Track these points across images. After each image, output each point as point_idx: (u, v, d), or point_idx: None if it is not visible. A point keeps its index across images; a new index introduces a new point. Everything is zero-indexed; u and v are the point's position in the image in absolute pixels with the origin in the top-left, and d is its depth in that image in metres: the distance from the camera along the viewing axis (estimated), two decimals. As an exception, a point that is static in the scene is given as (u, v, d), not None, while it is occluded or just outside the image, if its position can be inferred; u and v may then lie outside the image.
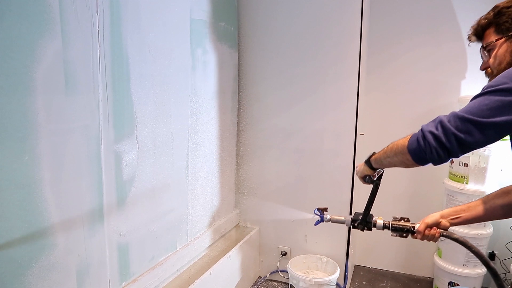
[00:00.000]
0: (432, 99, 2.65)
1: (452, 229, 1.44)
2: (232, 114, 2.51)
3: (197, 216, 2.17)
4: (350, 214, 2.00)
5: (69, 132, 1.29)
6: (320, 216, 1.48)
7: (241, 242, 2.43)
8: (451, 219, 1.33)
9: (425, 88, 2.65)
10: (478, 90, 1.00)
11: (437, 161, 1.04)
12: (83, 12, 1.31)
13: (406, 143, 1.10)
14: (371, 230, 1.43)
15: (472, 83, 2.53)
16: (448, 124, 1.00)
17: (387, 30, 2.67)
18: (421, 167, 1.10)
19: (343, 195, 2.45)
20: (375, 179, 1.39)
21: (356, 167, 1.48)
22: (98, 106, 1.40)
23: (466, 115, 0.97)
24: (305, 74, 2.44)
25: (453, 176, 2.43)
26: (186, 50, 1.92)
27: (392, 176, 2.12)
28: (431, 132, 1.02)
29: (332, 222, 1.48)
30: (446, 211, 1.35)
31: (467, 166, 2.34)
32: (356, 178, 1.45)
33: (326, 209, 1.50)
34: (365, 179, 1.41)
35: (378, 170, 1.36)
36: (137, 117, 1.61)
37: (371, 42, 2.69)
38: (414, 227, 1.34)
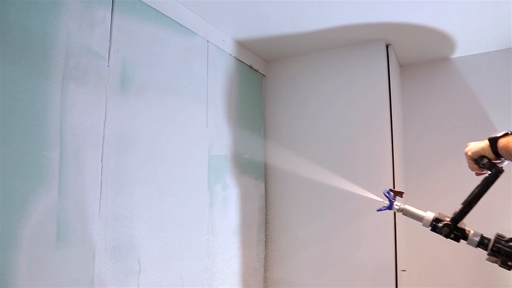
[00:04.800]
0: (487, 225, 2.31)
1: None
2: (258, 249, 2.34)
3: None
4: None
5: (54, 289, 1.19)
6: (389, 200, 1.09)
7: None
8: None
9: (478, 212, 2.34)
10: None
11: None
12: (86, 162, 1.30)
13: None
14: (458, 241, 1.05)
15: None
16: None
17: (425, 151, 2.51)
18: None
19: None
20: (499, 166, 1.00)
21: (467, 145, 1.11)
22: (93, 257, 1.31)
23: None
24: (338, 205, 2.27)
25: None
26: (203, 187, 1.87)
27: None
28: None
29: (403, 214, 1.08)
30: None
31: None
32: None
33: (401, 194, 1.10)
34: (481, 162, 1.04)
35: (502, 159, 1.01)
36: (140, 264, 1.50)
37: (408, 164, 2.53)
38: None
